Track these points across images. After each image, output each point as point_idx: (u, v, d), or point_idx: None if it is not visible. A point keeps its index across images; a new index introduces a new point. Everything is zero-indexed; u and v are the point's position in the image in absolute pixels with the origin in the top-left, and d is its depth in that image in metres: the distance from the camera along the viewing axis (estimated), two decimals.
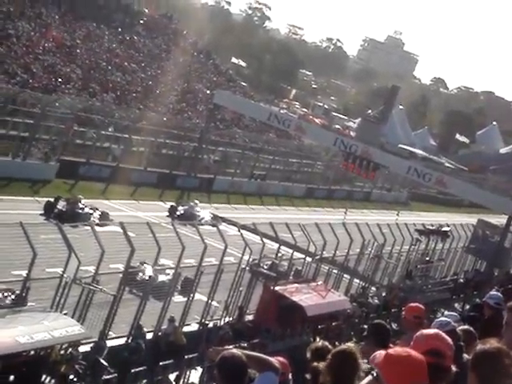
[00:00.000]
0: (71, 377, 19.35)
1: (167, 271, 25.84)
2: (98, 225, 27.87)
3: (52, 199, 35.32)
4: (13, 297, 19.89)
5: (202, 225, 31.94)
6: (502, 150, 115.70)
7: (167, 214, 40.98)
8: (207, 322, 25.67)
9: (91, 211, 35.46)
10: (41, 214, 33.77)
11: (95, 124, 48.89)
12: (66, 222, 26.06)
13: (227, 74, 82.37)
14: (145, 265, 25.74)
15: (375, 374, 4.50)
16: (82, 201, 36.02)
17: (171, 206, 42.70)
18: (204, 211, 42.54)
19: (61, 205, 34.98)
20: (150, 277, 24.50)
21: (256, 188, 56.62)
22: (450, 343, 5.23)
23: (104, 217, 34.88)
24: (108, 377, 20.05)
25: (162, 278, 25.43)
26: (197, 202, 43.47)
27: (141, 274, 25.25)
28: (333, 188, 65.42)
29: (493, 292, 10.44)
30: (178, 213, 41.18)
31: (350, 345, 6.36)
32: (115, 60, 63.32)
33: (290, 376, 6.89)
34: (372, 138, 49.51)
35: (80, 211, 34.87)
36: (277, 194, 57.28)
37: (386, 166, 50.70)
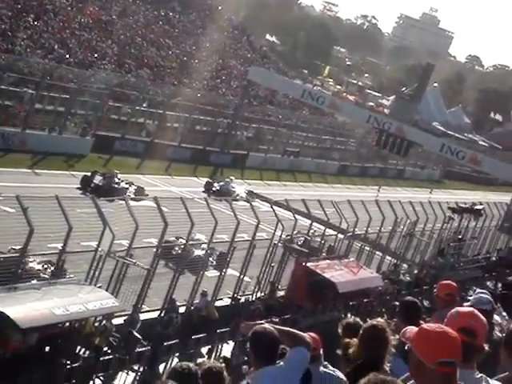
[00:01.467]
0: (105, 349, 19.51)
1: (203, 246, 25.91)
2: (133, 199, 28.06)
3: (88, 173, 35.55)
4: (52, 268, 20.07)
5: (237, 201, 31.87)
6: None
7: (203, 189, 41.18)
8: (239, 297, 25.74)
9: (127, 186, 35.71)
10: (77, 188, 34.02)
11: (130, 99, 49.04)
12: (102, 196, 26.26)
13: (261, 51, 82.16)
14: (180, 239, 25.77)
15: (407, 348, 4.50)
16: (118, 175, 36.28)
17: (207, 181, 42.89)
18: (239, 187, 42.66)
19: (97, 179, 35.18)
20: (185, 251, 24.59)
21: (289, 165, 56.58)
22: (484, 322, 5.19)
23: (139, 191, 35.07)
24: (141, 349, 20.18)
25: (198, 252, 25.51)
26: (232, 178, 43.57)
27: (176, 248, 25.29)
28: (366, 165, 65.25)
29: None
30: (213, 189, 41.41)
31: (380, 320, 6.40)
32: (150, 36, 63.36)
33: (321, 351, 6.89)
34: (406, 116, 49.21)
35: (116, 186, 35.09)
36: (310, 171, 57.20)
37: (419, 143, 50.41)
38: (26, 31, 49.90)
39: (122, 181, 36.02)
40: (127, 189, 35.24)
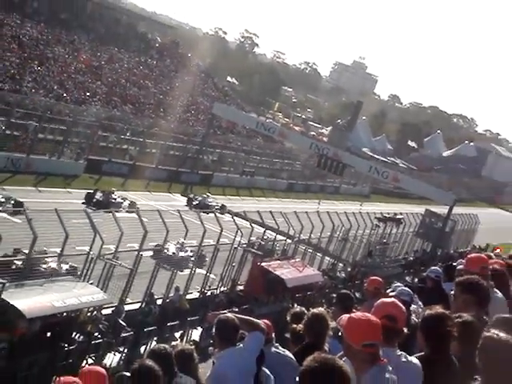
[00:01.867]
0: (96, 334, 19.40)
1: (186, 248, 26.52)
2: (127, 211, 28.46)
3: (91, 191, 35.93)
4: (66, 267, 20.23)
5: (212, 212, 31.82)
6: (445, 154, 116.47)
7: (185, 203, 41.43)
8: (206, 291, 25.69)
9: (122, 200, 36.05)
10: (82, 203, 34.01)
11: (116, 130, 48.82)
12: (101, 209, 26.44)
13: (223, 90, 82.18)
14: (168, 244, 25.66)
15: (340, 334, 4.55)
16: (115, 192, 36.66)
17: (188, 197, 43.41)
18: (214, 202, 42.94)
19: (98, 195, 35.62)
20: (173, 253, 25.21)
21: (246, 183, 56.57)
22: (404, 310, 5.26)
23: (132, 205, 35.25)
24: (125, 334, 20.09)
25: (181, 254, 26.01)
26: (209, 194, 44.26)
27: (165, 251, 25.26)
28: (309, 183, 65.37)
29: (433, 267, 10.47)
30: (194, 203, 41.72)
31: (321, 309, 6.44)
32: (133, 78, 63.12)
33: (274, 335, 6.90)
34: (341, 143, 49.67)
35: (113, 200, 35.42)
36: (263, 188, 57.22)
37: (352, 165, 50.75)
38: (31, 75, 49.64)
39: (118, 197, 36.40)
40: (122, 203, 35.51)
